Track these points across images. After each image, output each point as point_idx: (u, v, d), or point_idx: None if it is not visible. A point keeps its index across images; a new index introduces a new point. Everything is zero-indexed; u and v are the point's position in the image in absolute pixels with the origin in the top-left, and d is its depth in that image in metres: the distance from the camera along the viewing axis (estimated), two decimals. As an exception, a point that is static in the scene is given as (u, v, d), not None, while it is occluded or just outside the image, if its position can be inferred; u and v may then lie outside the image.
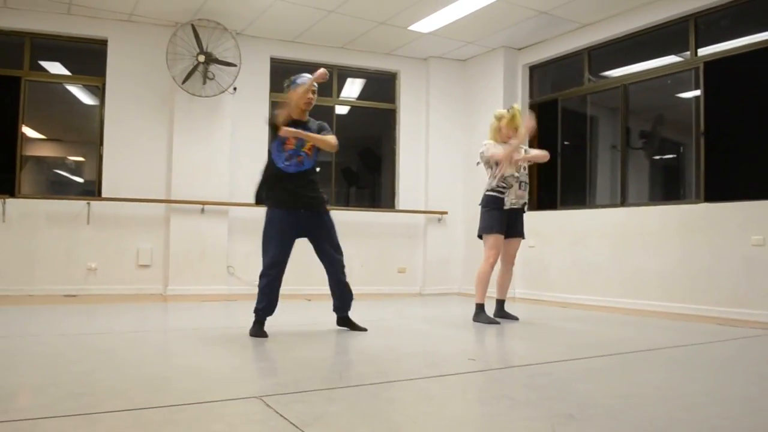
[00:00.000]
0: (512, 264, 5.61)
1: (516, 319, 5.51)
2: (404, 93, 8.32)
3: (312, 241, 4.52)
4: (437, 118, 8.34)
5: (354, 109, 8.39)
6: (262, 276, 4.34)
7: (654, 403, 2.60)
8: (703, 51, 6.04)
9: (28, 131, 7.15)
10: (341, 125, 8.10)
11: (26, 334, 4.30)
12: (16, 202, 6.59)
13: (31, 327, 4.65)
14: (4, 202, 6.50)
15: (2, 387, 2.71)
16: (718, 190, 5.81)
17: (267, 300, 4.32)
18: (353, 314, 4.79)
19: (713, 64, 5.92)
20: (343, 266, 4.58)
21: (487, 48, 7.89)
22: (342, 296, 4.66)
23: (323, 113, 8.05)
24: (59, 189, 8.06)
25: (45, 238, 6.66)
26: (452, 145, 8.37)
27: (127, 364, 3.33)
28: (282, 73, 7.80)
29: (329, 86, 8.05)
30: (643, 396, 2.73)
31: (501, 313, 5.57)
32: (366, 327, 4.69)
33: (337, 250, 4.56)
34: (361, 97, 8.46)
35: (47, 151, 8.08)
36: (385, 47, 7.94)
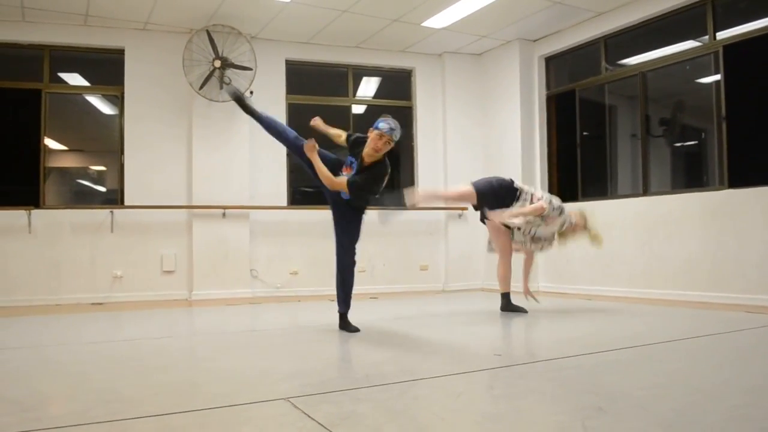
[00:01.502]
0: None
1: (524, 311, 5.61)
2: (420, 90, 8.31)
3: None
4: (454, 114, 8.31)
5: (370, 108, 8.38)
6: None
7: (683, 394, 2.57)
8: (721, 34, 5.95)
9: (51, 143, 7.25)
10: (358, 125, 8.11)
11: (55, 342, 4.37)
12: (41, 213, 6.69)
13: (59, 335, 4.72)
14: (30, 214, 6.59)
15: (34, 395, 2.75)
16: (741, 176, 5.72)
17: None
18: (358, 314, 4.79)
19: (732, 48, 5.83)
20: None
21: (502, 41, 7.84)
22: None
23: (339, 113, 8.07)
24: (82, 199, 8.16)
25: (70, 247, 6.75)
26: (470, 140, 8.34)
27: (155, 369, 3.36)
28: (298, 74, 7.84)
29: (345, 86, 8.07)
30: (671, 387, 2.70)
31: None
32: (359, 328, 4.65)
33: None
34: (377, 95, 8.46)
35: (69, 161, 8.18)
36: (399, 44, 7.93)
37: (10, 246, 6.55)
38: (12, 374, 3.23)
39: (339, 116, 8.10)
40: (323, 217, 7.64)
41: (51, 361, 3.61)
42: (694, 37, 6.30)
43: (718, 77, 5.98)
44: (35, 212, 6.65)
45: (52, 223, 6.72)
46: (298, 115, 7.86)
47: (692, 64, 6.47)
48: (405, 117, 8.37)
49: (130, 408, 2.49)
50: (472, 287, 8.22)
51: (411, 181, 8.35)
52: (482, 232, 8.23)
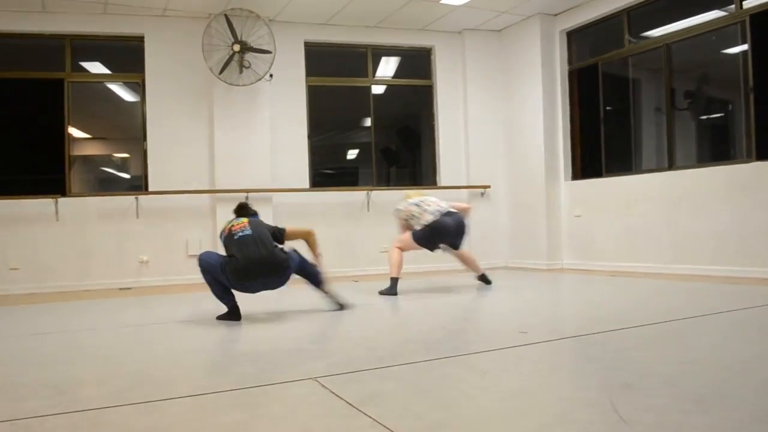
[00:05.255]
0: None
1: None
2: (440, 68, 8.25)
3: None
4: (475, 91, 8.24)
5: (390, 88, 8.35)
6: None
7: (712, 369, 2.55)
8: (748, 3, 5.81)
9: (74, 131, 7.33)
10: (378, 105, 8.09)
11: (85, 327, 4.45)
12: (68, 201, 6.79)
13: (89, 321, 4.80)
14: (57, 202, 6.70)
15: (68, 379, 2.81)
16: (770, 148, 5.62)
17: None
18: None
19: (760, 17, 5.70)
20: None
21: (522, 16, 7.74)
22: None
23: (359, 94, 8.06)
24: (107, 186, 8.27)
25: (97, 234, 6.85)
26: (491, 118, 8.28)
27: (185, 352, 3.41)
28: (317, 56, 7.82)
29: (364, 66, 8.03)
30: (700, 362, 2.68)
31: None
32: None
33: None
34: (396, 75, 8.42)
35: (93, 149, 8.28)
36: (419, 23, 7.86)
37: (39, 234, 6.67)
38: (46, 359, 3.30)
39: (359, 97, 8.09)
40: (345, 198, 7.68)
41: (83, 346, 3.68)
42: (719, 7, 6.17)
43: (744, 47, 5.86)
44: (62, 200, 6.75)
45: (79, 211, 6.82)
46: (318, 96, 7.86)
47: (718, 34, 6.33)
48: (425, 96, 8.33)
49: (163, 390, 2.53)
50: (495, 265, 8.20)
51: (432, 160, 8.32)
52: (505, 210, 8.22)
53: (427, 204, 5.63)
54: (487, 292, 5.66)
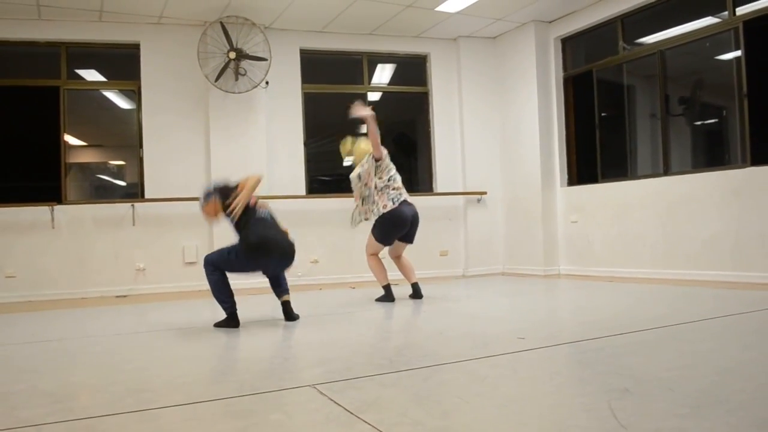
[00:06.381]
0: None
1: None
2: (435, 75, 8.27)
3: None
4: (470, 98, 8.26)
5: (386, 95, 8.37)
6: None
7: (710, 374, 2.55)
8: (741, 10, 5.85)
9: (70, 139, 7.32)
10: (374, 112, 8.09)
11: (83, 335, 4.43)
12: (64, 209, 6.78)
13: (86, 328, 4.79)
14: (53, 209, 6.68)
15: (65, 387, 2.80)
16: (764, 153, 5.64)
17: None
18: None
19: (753, 23, 5.73)
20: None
21: (517, 23, 7.77)
22: None
23: (355, 101, 8.05)
24: (103, 193, 8.24)
25: (94, 241, 6.83)
26: (487, 124, 8.30)
27: (183, 359, 3.41)
28: (312, 63, 7.83)
29: (360, 74, 8.05)
30: (698, 367, 2.69)
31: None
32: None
33: None
34: (392, 82, 8.43)
35: (89, 157, 8.26)
36: (414, 30, 7.88)
37: (35, 241, 6.65)
38: (42, 367, 3.29)
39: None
40: (341, 205, 7.66)
41: (80, 354, 3.67)
42: (713, 13, 6.20)
43: (738, 53, 5.89)
44: (58, 208, 6.73)
45: (75, 218, 6.80)
46: (314, 103, 7.87)
47: (711, 40, 6.37)
48: (421, 103, 8.34)
49: (161, 397, 2.53)
50: (492, 272, 8.21)
51: (429, 166, 8.33)
52: (501, 216, 8.23)
53: (397, 183, 5.58)
54: (483, 298, 5.66)
